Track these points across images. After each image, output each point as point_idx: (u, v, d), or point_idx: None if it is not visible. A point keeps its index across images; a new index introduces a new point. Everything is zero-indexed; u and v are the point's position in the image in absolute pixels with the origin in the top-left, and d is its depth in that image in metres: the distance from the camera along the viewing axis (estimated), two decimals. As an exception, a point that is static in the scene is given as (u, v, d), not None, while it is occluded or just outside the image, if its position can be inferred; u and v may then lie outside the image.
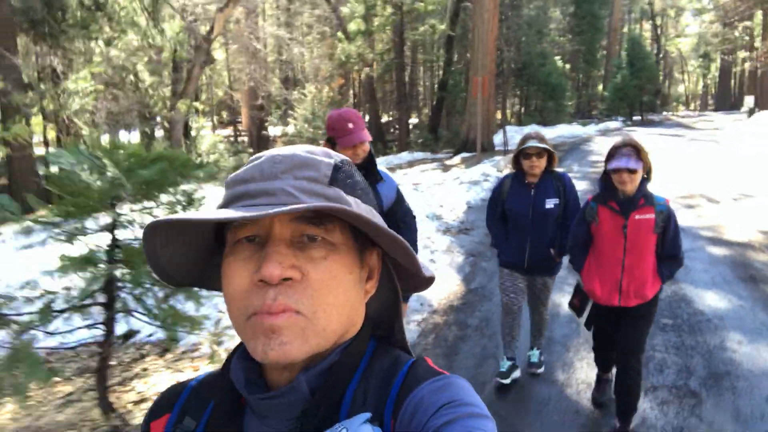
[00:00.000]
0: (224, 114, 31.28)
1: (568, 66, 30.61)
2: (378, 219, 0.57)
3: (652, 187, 2.69)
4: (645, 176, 2.63)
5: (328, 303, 0.54)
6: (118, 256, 2.75)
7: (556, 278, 3.38)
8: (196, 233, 0.59)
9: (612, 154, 2.63)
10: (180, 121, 15.80)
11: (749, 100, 23.35)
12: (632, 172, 2.54)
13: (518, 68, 23.67)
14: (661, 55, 38.03)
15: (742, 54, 32.65)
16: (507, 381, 3.26)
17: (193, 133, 17.10)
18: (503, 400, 3.19)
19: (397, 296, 0.68)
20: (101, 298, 2.80)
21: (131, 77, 14.41)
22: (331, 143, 2.56)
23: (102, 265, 2.67)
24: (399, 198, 2.71)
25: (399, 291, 0.67)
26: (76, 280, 2.73)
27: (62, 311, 2.63)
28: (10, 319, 2.62)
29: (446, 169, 13.89)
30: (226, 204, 0.56)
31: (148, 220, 2.91)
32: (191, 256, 0.61)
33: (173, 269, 0.59)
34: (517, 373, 3.35)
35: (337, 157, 0.59)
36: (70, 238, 2.67)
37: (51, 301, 2.62)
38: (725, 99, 38.66)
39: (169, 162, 2.62)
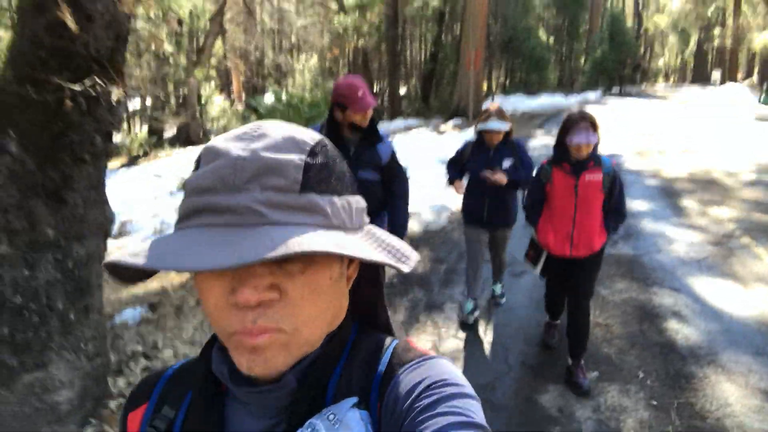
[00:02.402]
0: (216, 82, 32.94)
1: (552, 39, 33.03)
2: (347, 241, 0.52)
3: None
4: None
5: (309, 315, 0.53)
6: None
7: (523, 239, 3.88)
8: None
9: (569, 128, 2.90)
10: (195, 87, 17.81)
11: (716, 75, 26.21)
12: (590, 145, 2.87)
13: (505, 42, 25.95)
14: (641, 30, 40.66)
15: (716, 31, 35.53)
16: (470, 321, 3.91)
17: (203, 99, 19.10)
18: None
19: (377, 275, 0.68)
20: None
21: (153, 46, 16.34)
22: (341, 108, 2.84)
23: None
24: (393, 156, 3.03)
25: (380, 269, 0.68)
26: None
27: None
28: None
29: (441, 133, 16.16)
30: (186, 216, 0.52)
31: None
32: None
33: (129, 274, 0.52)
34: (477, 313, 3.97)
35: (305, 144, 0.54)
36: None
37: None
38: (701, 73, 41.68)
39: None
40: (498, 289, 4.25)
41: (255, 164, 0.50)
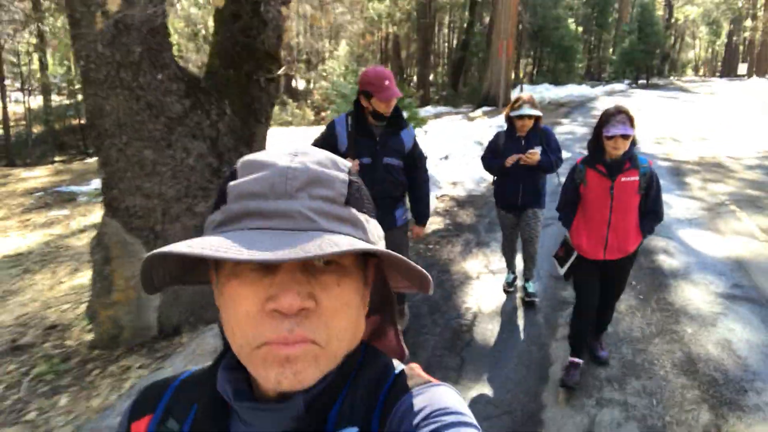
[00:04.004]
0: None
1: (580, 29, 34.07)
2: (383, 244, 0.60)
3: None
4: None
5: (340, 329, 0.56)
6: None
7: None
8: None
9: (606, 120, 2.88)
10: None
11: (742, 68, 27.24)
12: (626, 138, 2.82)
13: (534, 31, 27.14)
14: (672, 20, 41.42)
15: (747, 23, 36.25)
16: (512, 289, 4.56)
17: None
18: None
19: (388, 296, 0.70)
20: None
21: (203, 30, 17.95)
22: (367, 96, 3.09)
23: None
24: (415, 143, 3.32)
25: (391, 291, 0.70)
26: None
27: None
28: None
29: (471, 119, 17.49)
30: (231, 220, 0.55)
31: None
32: (179, 267, 0.61)
33: (159, 279, 0.59)
34: (518, 282, 4.61)
35: (344, 166, 0.60)
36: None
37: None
38: (731, 65, 42.35)
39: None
40: (531, 287, 4.35)
41: (305, 174, 0.55)
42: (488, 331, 3.97)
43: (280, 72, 4.50)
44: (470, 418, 0.57)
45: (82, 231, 6.87)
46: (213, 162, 3.91)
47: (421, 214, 3.50)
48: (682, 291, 4.56)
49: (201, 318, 3.87)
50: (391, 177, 3.25)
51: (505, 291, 4.59)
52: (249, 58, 4.27)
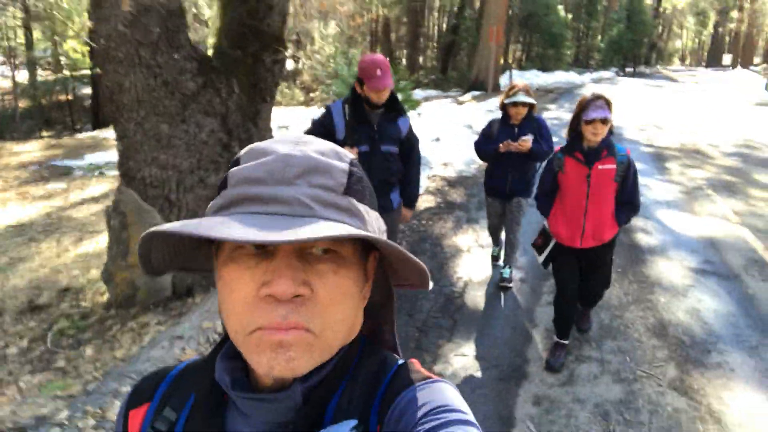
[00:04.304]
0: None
1: (570, 16, 34.35)
2: (384, 233, 0.61)
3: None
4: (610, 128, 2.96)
5: (336, 320, 0.56)
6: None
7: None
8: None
9: (585, 106, 2.93)
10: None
11: (726, 59, 27.82)
12: (605, 122, 2.86)
13: (524, 17, 27.39)
14: (660, 10, 41.87)
15: (733, 14, 36.82)
16: (499, 261, 4.76)
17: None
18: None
19: (389, 296, 0.71)
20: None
21: (193, 9, 17.98)
22: (360, 84, 3.14)
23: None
24: (410, 129, 3.42)
25: (392, 291, 0.71)
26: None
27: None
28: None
29: (460, 104, 17.78)
30: (230, 204, 0.55)
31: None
32: (179, 251, 0.62)
33: (159, 261, 0.60)
34: (503, 253, 4.59)
35: (346, 157, 0.61)
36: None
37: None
38: (717, 56, 43.02)
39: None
40: (507, 272, 4.44)
41: (305, 162, 0.56)
42: (478, 297, 4.31)
43: (286, 54, 4.76)
44: (470, 416, 0.58)
45: (81, 203, 7.08)
46: (223, 137, 4.18)
47: (411, 197, 3.60)
48: (658, 265, 4.94)
49: (213, 281, 4.13)
50: (388, 164, 3.33)
51: (493, 263, 4.93)
52: (255, 39, 4.51)
